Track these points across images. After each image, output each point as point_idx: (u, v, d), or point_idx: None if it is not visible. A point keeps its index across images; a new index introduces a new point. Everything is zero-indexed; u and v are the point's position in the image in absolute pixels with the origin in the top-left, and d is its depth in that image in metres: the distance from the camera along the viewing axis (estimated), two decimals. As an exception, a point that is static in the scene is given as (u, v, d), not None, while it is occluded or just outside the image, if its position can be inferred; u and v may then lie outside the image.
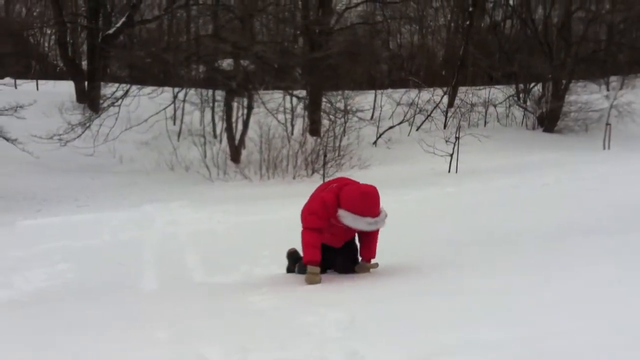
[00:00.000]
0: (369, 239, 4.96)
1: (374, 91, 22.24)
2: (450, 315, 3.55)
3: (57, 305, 4.73)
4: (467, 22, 24.56)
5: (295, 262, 5.40)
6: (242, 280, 5.45)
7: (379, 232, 4.93)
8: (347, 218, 4.57)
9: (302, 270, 4.96)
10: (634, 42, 27.75)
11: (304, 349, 3.20)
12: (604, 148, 16.75)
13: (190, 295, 4.85)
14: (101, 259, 6.79)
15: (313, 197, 4.96)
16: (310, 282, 4.68)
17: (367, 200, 4.58)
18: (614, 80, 24.35)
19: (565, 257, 4.68)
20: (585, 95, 21.06)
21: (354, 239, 5.07)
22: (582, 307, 3.44)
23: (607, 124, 17.66)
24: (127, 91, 16.83)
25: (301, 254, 4.96)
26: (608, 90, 23.47)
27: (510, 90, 23.07)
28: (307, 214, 4.83)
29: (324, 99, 18.46)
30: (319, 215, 4.73)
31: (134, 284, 5.65)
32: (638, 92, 21.18)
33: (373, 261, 4.97)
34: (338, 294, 4.27)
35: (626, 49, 25.54)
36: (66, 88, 20.47)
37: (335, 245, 5.01)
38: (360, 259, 5.02)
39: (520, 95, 22.91)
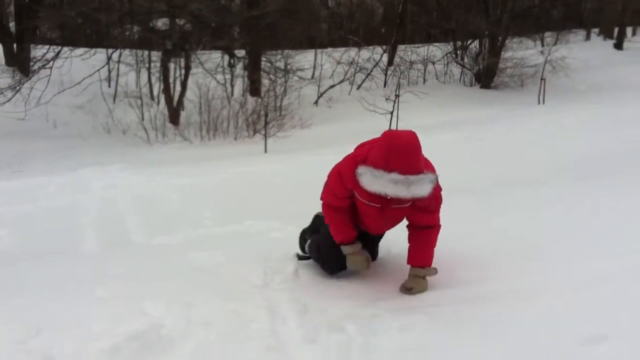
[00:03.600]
0: (422, 236, 3.49)
1: (313, 50, 22.09)
2: (394, 272, 3.63)
3: (-7, 270, 4.59)
4: (406, -21, 24.58)
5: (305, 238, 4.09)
6: (184, 240, 5.41)
7: (439, 231, 3.53)
8: (365, 176, 3.19)
9: (305, 256, 3.99)
10: (568, -2, 28.37)
11: (249, 300, 3.22)
12: (539, 103, 17.12)
13: (132, 256, 4.79)
14: (38, 225, 6.59)
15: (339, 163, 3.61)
16: (355, 266, 3.57)
17: (395, 147, 3.12)
18: (549, 35, 24.88)
19: (506, 206, 4.83)
20: (521, 52, 21.43)
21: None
22: (521, 254, 3.58)
23: (542, 79, 18.02)
24: (58, 53, 16.18)
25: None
26: (543, 45, 23.97)
27: (448, 47, 23.28)
28: (325, 188, 3.65)
29: (263, 59, 18.23)
30: (336, 193, 3.53)
31: (73, 248, 5.54)
32: (571, 47, 21.70)
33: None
34: (281, 249, 4.28)
35: (560, 5, 26.03)
36: (-7, 51, 19.61)
37: (372, 232, 3.73)
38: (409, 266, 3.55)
39: (458, 53, 23.16)
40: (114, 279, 3.83)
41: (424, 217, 3.45)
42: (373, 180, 3.13)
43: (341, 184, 3.42)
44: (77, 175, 9.85)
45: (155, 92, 17.81)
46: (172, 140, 14.61)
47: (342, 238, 3.54)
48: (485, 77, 21.21)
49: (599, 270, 3.25)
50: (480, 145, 9.53)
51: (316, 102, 18.97)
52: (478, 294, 3.19)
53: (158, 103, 16.97)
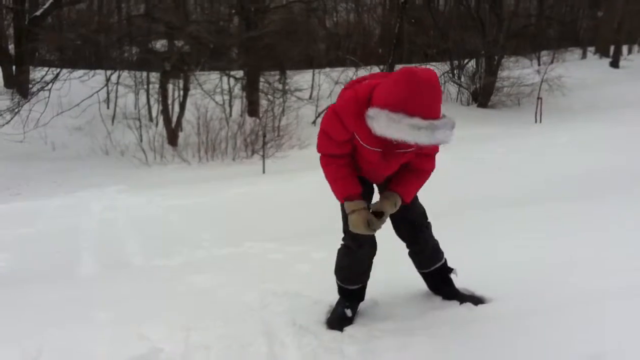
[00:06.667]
0: (415, 175, 3.14)
1: (311, 70, 22.22)
2: (393, 293, 3.63)
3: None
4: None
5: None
6: (183, 262, 5.41)
7: (429, 175, 3.20)
8: (379, 119, 2.64)
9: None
10: (564, 16, 28.60)
11: (248, 324, 3.22)
12: (536, 121, 17.21)
13: (131, 278, 4.79)
14: (36, 248, 6.59)
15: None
16: (355, 227, 3.00)
17: (416, 85, 2.59)
18: (545, 54, 25.04)
19: (504, 226, 4.84)
20: (517, 70, 21.55)
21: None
22: (521, 275, 3.61)
23: (539, 97, 18.13)
24: (57, 75, 16.29)
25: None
26: (539, 64, 24.11)
27: (445, 66, 23.42)
28: (320, 137, 3.08)
29: (261, 79, 18.34)
30: (334, 137, 2.98)
31: (72, 270, 5.53)
32: (568, 65, 21.83)
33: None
34: (279, 271, 4.29)
35: (556, 23, 26.24)
36: (-8, 73, 19.70)
37: (370, 181, 3.26)
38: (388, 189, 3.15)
39: (455, 72, 23.28)
40: (113, 302, 3.83)
41: (424, 162, 3.12)
42: (388, 125, 2.61)
43: (341, 125, 2.90)
44: (75, 198, 9.88)
45: (153, 114, 17.88)
46: (170, 162, 14.65)
47: (346, 193, 3.01)
48: (482, 96, 21.31)
49: (599, 288, 3.25)
50: (478, 165, 9.55)
51: (314, 122, 19.04)
52: (477, 314, 3.19)
53: (157, 124, 17.03)
